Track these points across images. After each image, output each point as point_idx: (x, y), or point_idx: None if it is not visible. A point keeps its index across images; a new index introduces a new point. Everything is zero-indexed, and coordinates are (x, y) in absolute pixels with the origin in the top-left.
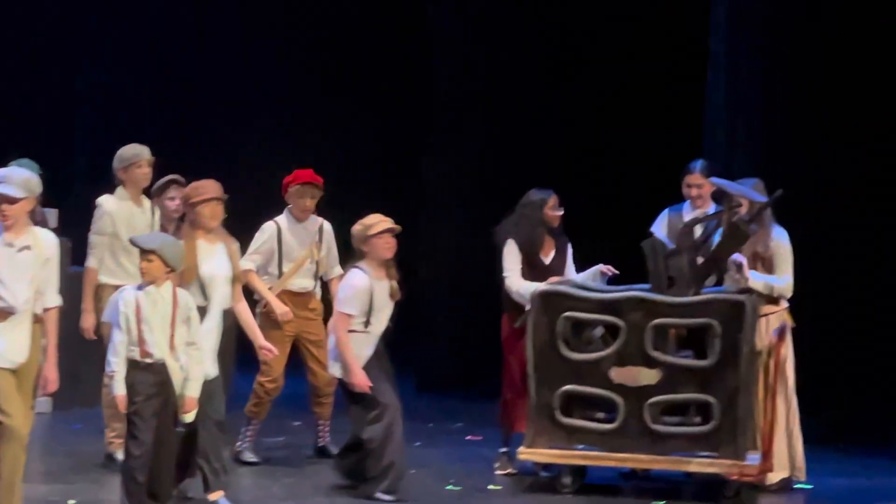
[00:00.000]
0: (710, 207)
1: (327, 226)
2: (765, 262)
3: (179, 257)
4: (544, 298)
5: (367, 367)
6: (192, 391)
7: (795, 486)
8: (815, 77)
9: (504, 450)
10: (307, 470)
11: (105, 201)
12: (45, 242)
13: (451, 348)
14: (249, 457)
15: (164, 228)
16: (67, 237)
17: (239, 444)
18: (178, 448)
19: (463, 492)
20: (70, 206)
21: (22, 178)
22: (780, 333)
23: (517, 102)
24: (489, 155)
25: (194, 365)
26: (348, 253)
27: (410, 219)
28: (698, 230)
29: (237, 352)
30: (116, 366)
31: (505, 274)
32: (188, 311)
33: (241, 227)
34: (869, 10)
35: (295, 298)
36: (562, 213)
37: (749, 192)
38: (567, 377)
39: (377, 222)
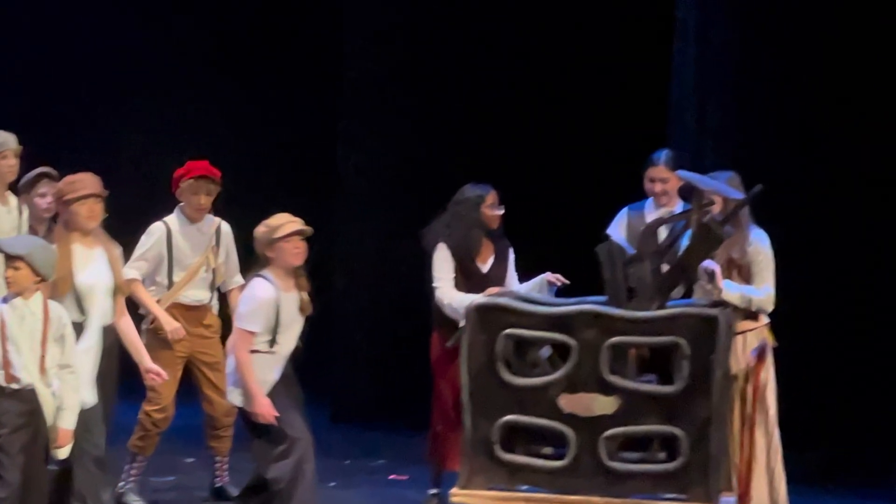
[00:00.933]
0: (678, 206)
1: (226, 227)
2: (741, 271)
3: (51, 264)
4: (482, 313)
5: (273, 394)
6: (67, 422)
7: None
8: (801, 51)
9: (434, 491)
10: None
11: None
12: None
13: (371, 372)
14: (134, 499)
15: (33, 230)
16: None
17: (122, 484)
18: (50, 489)
19: None
20: None
21: None
22: (760, 354)
23: (448, 80)
24: (415, 143)
25: (69, 391)
26: (250, 259)
27: (324, 219)
28: (663, 232)
29: (120, 376)
30: None
31: (435, 284)
32: (62, 327)
33: (124, 228)
34: None
35: (188, 313)
36: (502, 212)
37: (723, 188)
38: (508, 406)
39: (284, 223)
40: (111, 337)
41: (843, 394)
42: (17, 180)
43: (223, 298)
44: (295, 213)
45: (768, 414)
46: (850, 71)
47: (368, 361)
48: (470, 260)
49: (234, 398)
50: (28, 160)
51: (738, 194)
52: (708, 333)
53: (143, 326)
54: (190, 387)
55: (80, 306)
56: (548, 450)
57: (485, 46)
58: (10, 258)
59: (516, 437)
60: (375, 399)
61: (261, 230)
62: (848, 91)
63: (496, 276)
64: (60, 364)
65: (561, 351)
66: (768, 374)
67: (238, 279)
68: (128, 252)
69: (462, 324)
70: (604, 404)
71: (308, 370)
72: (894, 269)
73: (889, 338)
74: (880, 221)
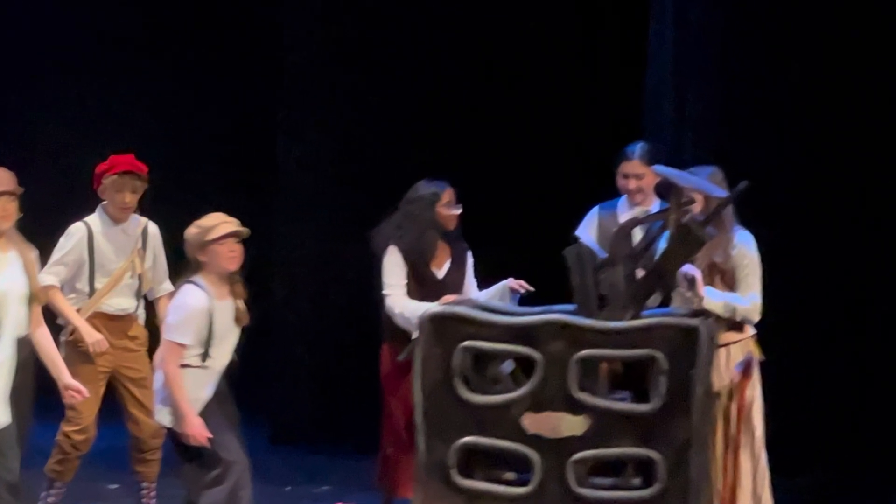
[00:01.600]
0: (654, 204)
1: (153, 228)
2: (725, 276)
3: None
4: (437, 323)
5: (206, 414)
6: None
7: None
8: (790, 34)
9: None
10: None
11: None
12: None
13: (314, 389)
14: None
15: None
16: None
17: None
18: None
19: None
20: None
21: None
22: (745, 369)
23: (400, 65)
24: (364, 135)
25: None
26: (180, 264)
27: (262, 219)
28: (638, 234)
29: (36, 393)
30: None
31: (385, 291)
32: None
33: (40, 229)
34: None
35: (111, 323)
36: (459, 211)
37: (704, 185)
38: (466, 426)
39: (218, 224)
40: (26, 350)
41: (836, 413)
42: None
43: (150, 307)
44: (230, 213)
45: (754, 435)
46: (844, 56)
47: (311, 377)
48: (424, 264)
49: (163, 418)
50: None
51: (721, 192)
52: (687, 346)
53: (62, 338)
54: (114, 405)
55: None
56: (510, 475)
57: (440, 28)
58: None
59: (475, 461)
60: (319, 419)
61: (192, 231)
62: (841, 78)
63: (453, 283)
64: None
65: (525, 365)
66: (754, 391)
67: (167, 286)
68: (44, 256)
69: (415, 335)
70: (572, 424)
71: (244, 386)
72: (894, 273)
73: (887, 351)
74: (878, 222)
